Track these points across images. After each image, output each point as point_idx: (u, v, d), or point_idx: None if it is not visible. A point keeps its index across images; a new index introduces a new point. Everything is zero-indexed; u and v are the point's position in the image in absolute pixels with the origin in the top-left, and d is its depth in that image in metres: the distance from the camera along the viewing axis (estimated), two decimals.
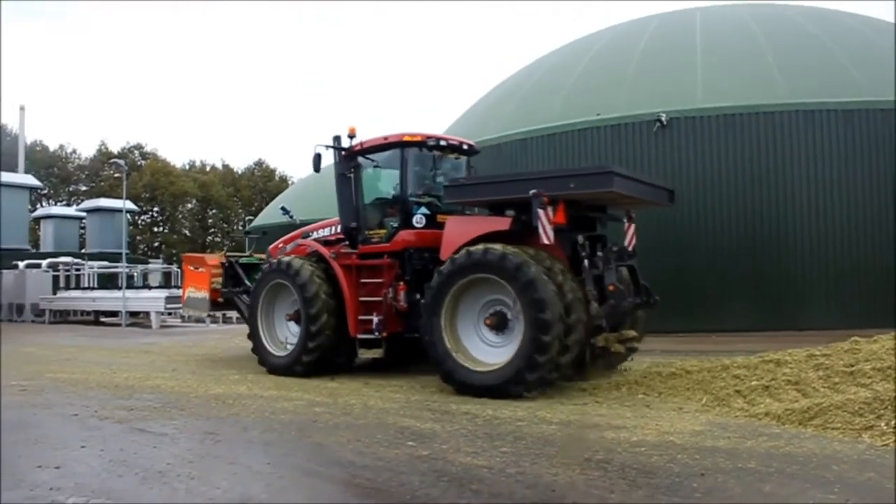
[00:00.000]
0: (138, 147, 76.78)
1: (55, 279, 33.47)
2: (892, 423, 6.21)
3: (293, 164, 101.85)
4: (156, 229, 75.05)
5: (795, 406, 7.09)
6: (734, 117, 17.66)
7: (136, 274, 34.70)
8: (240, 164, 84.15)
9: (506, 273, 8.76)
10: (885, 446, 5.83)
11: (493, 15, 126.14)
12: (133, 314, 28.29)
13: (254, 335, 12.10)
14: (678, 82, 19.05)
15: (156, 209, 73.50)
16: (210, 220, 78.40)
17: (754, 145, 17.50)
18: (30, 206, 49.18)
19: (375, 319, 10.70)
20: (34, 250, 44.53)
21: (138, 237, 70.26)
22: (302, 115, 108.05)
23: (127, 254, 32.93)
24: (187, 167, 78.98)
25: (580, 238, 9.63)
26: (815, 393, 7.49)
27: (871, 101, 17.13)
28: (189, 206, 75.66)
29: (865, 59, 18.65)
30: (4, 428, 7.23)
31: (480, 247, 9.06)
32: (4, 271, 33.27)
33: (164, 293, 26.66)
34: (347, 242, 11.53)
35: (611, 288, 9.20)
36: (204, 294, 14.13)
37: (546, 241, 9.01)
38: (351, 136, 11.40)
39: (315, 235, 12.40)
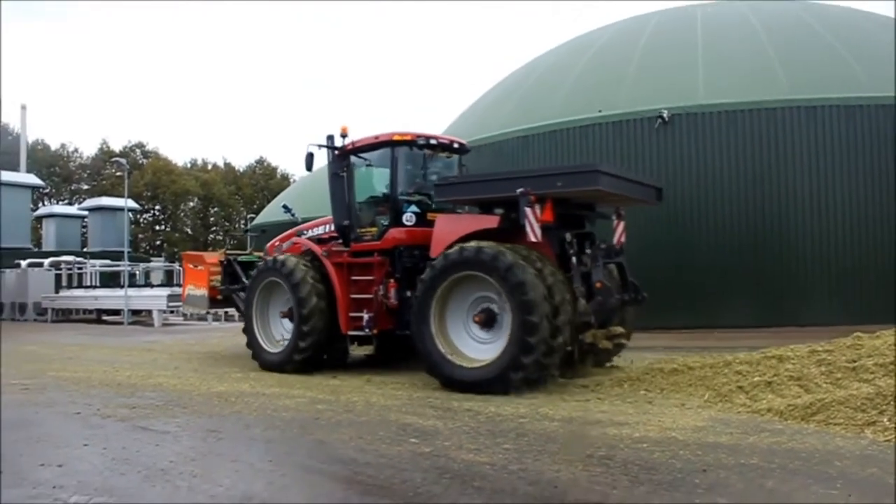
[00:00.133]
0: (140, 146, 76.92)
1: (57, 278, 33.52)
2: (895, 418, 6.20)
3: (295, 163, 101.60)
4: (158, 228, 75.16)
5: (798, 402, 7.08)
6: (735, 113, 17.63)
7: (138, 272, 34.71)
8: (241, 162, 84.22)
9: (496, 272, 8.81)
10: (887, 442, 5.82)
11: (493, 15, 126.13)
12: (135, 312, 28.32)
13: (248, 332, 12.25)
14: (679, 79, 19.02)
15: (157, 208, 73.59)
16: (212, 219, 78.51)
17: (756, 141, 17.47)
18: (32, 206, 49.26)
19: (366, 316, 10.83)
20: (36, 249, 44.61)
21: (140, 236, 70.37)
22: (303, 114, 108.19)
23: (129, 252, 32.97)
24: (189, 165, 79.12)
25: (568, 235, 9.71)
26: (818, 389, 7.48)
27: (872, 97, 17.10)
28: (191, 204, 75.76)
29: (867, 55, 18.61)
30: (6, 426, 7.24)
31: (473, 244, 9.12)
32: (7, 270, 33.32)
33: (166, 291, 26.71)
34: (341, 241, 11.63)
35: (598, 285, 9.29)
36: (203, 292, 14.32)
37: (533, 239, 9.10)
38: (343, 136, 11.53)
39: (309, 234, 12.54)
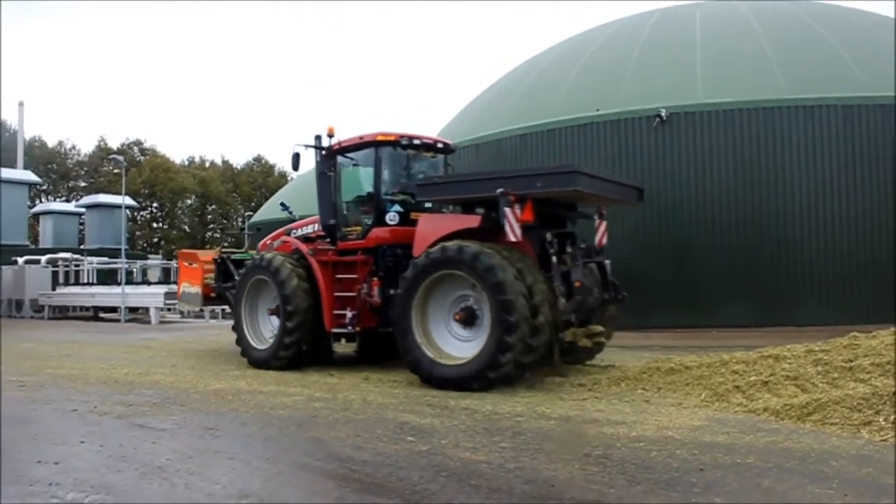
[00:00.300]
0: (137, 143, 76.86)
1: (54, 275, 33.47)
2: (891, 418, 6.22)
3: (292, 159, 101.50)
4: (155, 225, 75.14)
5: (794, 401, 7.10)
6: (734, 113, 17.64)
7: (135, 270, 34.70)
8: (239, 159, 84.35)
9: (476, 272, 8.92)
10: (883, 441, 5.83)
11: (493, 15, 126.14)
12: (132, 310, 28.28)
13: (238, 329, 12.42)
14: (678, 78, 19.03)
15: (155, 205, 73.55)
16: (209, 216, 78.44)
17: (754, 141, 17.48)
18: (29, 202, 49.18)
19: (349, 314, 11.01)
20: (33, 246, 44.52)
21: (137, 233, 70.30)
22: (301, 112, 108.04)
23: (126, 250, 32.92)
24: (186, 163, 79.04)
25: (549, 235, 9.83)
26: (814, 388, 7.49)
27: (871, 97, 17.12)
28: (188, 201, 75.69)
29: (865, 55, 18.64)
30: (4, 423, 7.23)
31: (455, 243, 9.22)
32: (4, 267, 33.25)
33: (163, 289, 26.67)
34: (328, 239, 11.80)
35: (577, 284, 9.42)
36: (197, 289, 14.52)
37: (513, 239, 9.21)
38: (330, 136, 11.70)
39: (299, 232, 12.70)
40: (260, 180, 78.10)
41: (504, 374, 8.78)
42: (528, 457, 5.64)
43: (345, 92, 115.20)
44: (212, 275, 14.30)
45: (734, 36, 20.12)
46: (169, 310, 27.59)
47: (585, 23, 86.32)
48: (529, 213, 9.29)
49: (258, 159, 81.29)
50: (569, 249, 10.02)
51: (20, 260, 34.19)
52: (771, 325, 16.06)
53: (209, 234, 77.03)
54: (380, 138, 11.23)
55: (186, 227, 76.20)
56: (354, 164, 11.79)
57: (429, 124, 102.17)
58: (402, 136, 11.37)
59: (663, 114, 17.89)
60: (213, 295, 14.40)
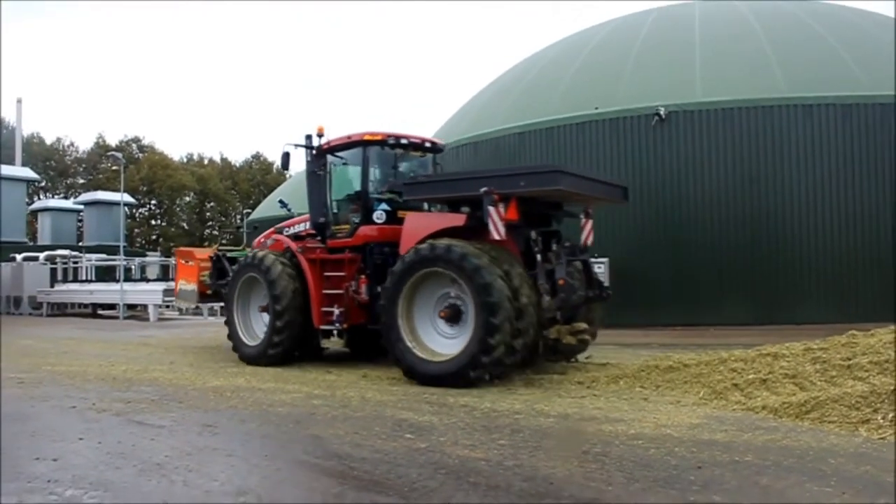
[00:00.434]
0: (136, 140, 76.84)
1: (53, 272, 33.47)
2: (889, 416, 6.22)
3: (292, 158, 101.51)
4: (153, 222, 75.08)
5: (792, 399, 7.10)
6: (733, 111, 17.65)
7: (133, 267, 34.69)
8: (238, 157, 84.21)
9: (463, 271, 9.03)
10: (881, 440, 5.84)
11: (493, 15, 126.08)
12: (131, 307, 28.30)
13: (230, 325, 12.59)
14: (677, 76, 19.03)
15: (153, 202, 73.51)
16: (208, 214, 78.38)
17: (753, 140, 17.49)
18: (27, 199, 49.13)
19: (336, 311, 11.15)
20: (32, 243, 44.51)
21: (136, 230, 70.26)
22: (301, 111, 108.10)
23: (124, 247, 32.91)
24: (185, 160, 78.98)
25: (533, 233, 9.93)
26: (813, 386, 7.49)
27: (870, 96, 17.13)
28: (187, 199, 75.65)
29: (864, 54, 18.65)
30: (2, 420, 7.23)
31: (444, 242, 9.33)
32: (2, 264, 33.23)
33: (161, 286, 26.68)
34: (319, 237, 11.96)
35: (561, 282, 9.48)
36: (193, 287, 14.73)
37: (496, 237, 9.31)
38: (320, 136, 11.86)
39: (290, 231, 12.85)
40: (259, 177, 78.05)
41: (486, 374, 8.92)
42: (526, 454, 5.64)
43: (345, 92, 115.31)
44: (207, 272, 14.48)
45: (733, 35, 20.12)
46: (167, 307, 27.59)
47: (585, 23, 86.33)
48: (514, 211, 9.44)
49: (257, 157, 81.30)
50: (554, 248, 10.12)
51: (18, 257, 34.19)
52: (769, 324, 16.08)
53: (208, 231, 76.98)
54: (367, 138, 11.38)
55: (185, 225, 76.17)
56: (343, 164, 11.93)
57: (429, 124, 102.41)
58: (388, 136, 11.52)
59: (662, 112, 17.89)
60: (208, 292, 14.55)
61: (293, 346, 11.63)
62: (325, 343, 12.29)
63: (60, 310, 31.18)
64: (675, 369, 9.07)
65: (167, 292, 25.14)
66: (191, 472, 5.23)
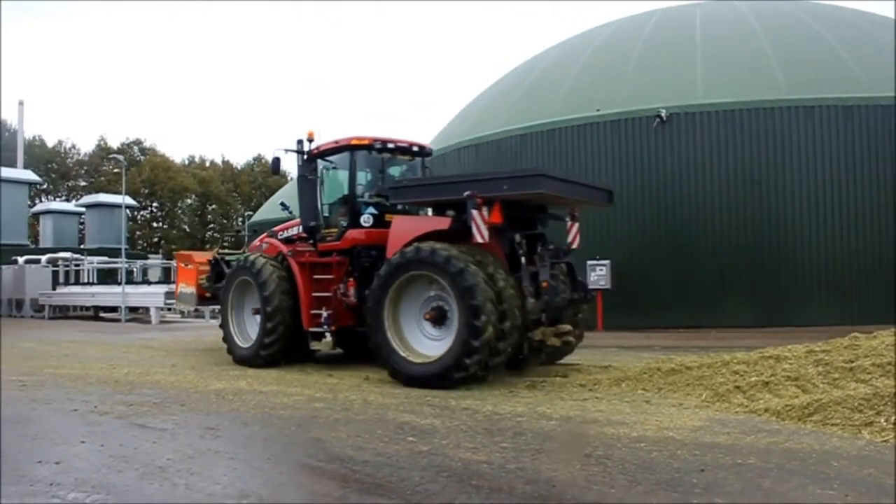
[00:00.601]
0: (137, 142, 76.88)
1: (54, 274, 33.47)
2: (892, 419, 6.21)
3: (293, 160, 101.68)
4: (155, 225, 75.08)
5: (795, 402, 7.09)
6: (734, 113, 17.67)
7: (135, 269, 34.69)
8: (239, 159, 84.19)
9: (448, 274, 9.14)
10: (884, 442, 5.83)
11: (492, 15, 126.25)
12: (132, 309, 28.27)
13: (224, 327, 12.79)
14: (678, 78, 19.05)
15: (155, 205, 73.53)
16: (209, 216, 78.38)
17: (754, 141, 17.50)
18: (29, 202, 49.17)
19: (324, 314, 11.31)
20: (33, 246, 44.53)
21: (137, 232, 70.26)
22: (302, 112, 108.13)
23: (126, 249, 32.91)
24: (187, 162, 79.00)
25: (517, 236, 10.04)
26: (815, 389, 7.48)
27: (870, 97, 17.14)
28: (188, 201, 75.65)
29: (865, 55, 18.66)
30: (4, 423, 7.23)
31: (429, 245, 9.46)
32: (4, 266, 33.25)
33: (163, 289, 26.67)
34: (311, 241, 12.14)
35: (544, 284, 9.63)
36: (192, 290, 14.91)
37: (479, 240, 9.44)
38: (310, 140, 12.02)
39: (284, 234, 13.01)
40: (260, 180, 78.04)
41: (469, 376, 9.03)
42: (529, 457, 5.63)
43: (345, 92, 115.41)
44: (206, 276, 14.63)
45: (734, 36, 20.14)
46: (169, 309, 27.60)
47: (585, 23, 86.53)
48: (497, 215, 9.54)
49: (258, 159, 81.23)
50: (539, 250, 10.25)
51: (20, 259, 34.18)
52: (771, 326, 16.08)
53: (209, 233, 76.99)
54: (354, 142, 11.56)
55: (186, 227, 76.19)
56: (333, 168, 12.10)
57: (429, 124, 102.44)
58: (375, 140, 11.68)
59: (663, 114, 17.90)
60: (207, 295, 14.67)
61: (284, 347, 11.78)
62: (316, 345, 12.45)
63: (62, 312, 31.18)
64: (678, 372, 9.06)
65: (169, 295, 25.13)
66: (193, 476, 5.23)
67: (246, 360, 12.05)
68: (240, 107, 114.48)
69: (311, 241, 12.13)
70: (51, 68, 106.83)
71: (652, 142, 18.23)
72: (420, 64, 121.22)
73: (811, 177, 17.26)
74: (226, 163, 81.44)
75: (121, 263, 30.36)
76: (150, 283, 31.72)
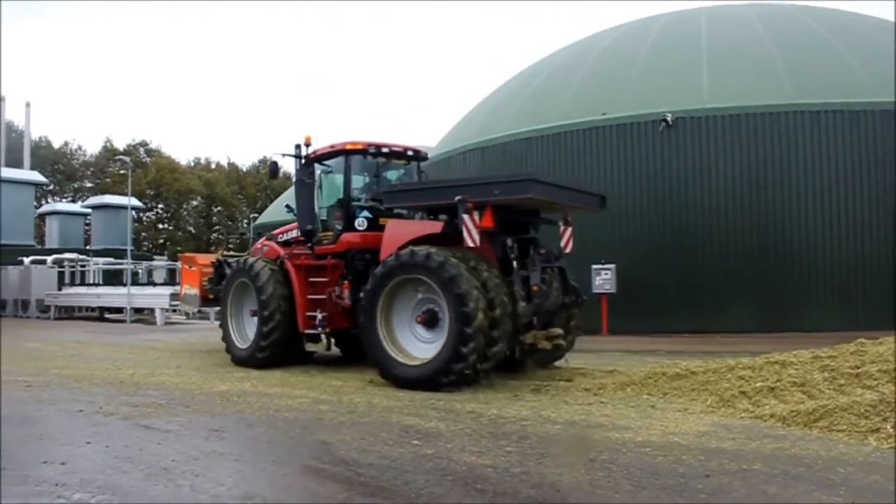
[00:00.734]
0: (143, 144, 77.03)
1: (60, 275, 33.57)
2: None
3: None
4: (161, 226, 75.18)
5: (801, 408, 7.07)
6: (740, 117, 17.64)
7: (140, 271, 34.77)
8: (245, 161, 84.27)
9: (440, 279, 9.23)
10: (891, 449, 5.80)
11: (492, 15, 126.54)
12: (138, 311, 28.37)
13: (224, 328, 12.99)
14: (684, 82, 19.03)
15: (161, 206, 73.63)
16: (215, 218, 78.48)
17: (760, 146, 17.47)
18: (35, 203, 49.31)
19: (319, 316, 11.53)
20: (39, 246, 44.67)
21: (143, 234, 70.38)
22: (303, 112, 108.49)
23: (132, 250, 33.00)
24: (192, 164, 79.13)
25: (509, 241, 10.09)
26: (821, 395, 7.46)
27: (877, 102, 17.09)
28: (194, 203, 75.75)
29: (872, 60, 18.62)
30: (10, 423, 7.26)
31: (424, 249, 9.53)
32: (10, 267, 33.36)
33: (168, 290, 26.73)
34: (309, 244, 12.29)
35: (535, 288, 9.72)
36: (196, 291, 15.17)
37: (470, 244, 9.56)
38: (307, 145, 12.22)
39: (283, 237, 13.20)
40: (265, 182, 78.01)
41: (457, 380, 9.11)
42: (533, 461, 5.63)
43: (345, 92, 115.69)
44: (209, 277, 14.77)
45: (740, 40, 20.11)
46: (174, 311, 27.66)
47: (585, 23, 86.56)
48: (489, 219, 9.66)
49: (264, 161, 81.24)
50: (531, 254, 10.35)
51: (26, 260, 34.29)
52: (777, 331, 16.03)
53: (214, 235, 77.10)
54: (348, 147, 11.72)
55: (192, 229, 76.28)
56: (329, 172, 12.24)
57: (428, 124, 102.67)
58: (370, 145, 11.83)
59: (669, 118, 17.89)
60: (210, 297, 14.81)
61: (280, 349, 11.92)
62: (311, 347, 12.57)
63: (68, 313, 31.28)
64: (683, 377, 9.03)
65: (174, 296, 25.21)
66: (198, 477, 5.24)
67: (243, 361, 12.24)
68: (245, 108, 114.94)
69: (309, 245, 12.28)
70: (57, 70, 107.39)
71: (658, 146, 18.22)
72: (420, 64, 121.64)
73: (817, 181, 17.23)
74: (231, 165, 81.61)
75: (126, 265, 30.43)
76: (155, 284, 31.78)
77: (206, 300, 15.22)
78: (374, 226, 11.39)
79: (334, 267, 11.65)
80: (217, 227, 78.83)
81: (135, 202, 44.51)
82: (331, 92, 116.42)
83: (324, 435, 6.69)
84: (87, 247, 44.99)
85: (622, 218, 18.33)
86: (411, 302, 9.95)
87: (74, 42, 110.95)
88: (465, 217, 9.55)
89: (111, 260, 36.13)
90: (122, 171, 57.84)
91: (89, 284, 32.98)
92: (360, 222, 11.54)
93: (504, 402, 8.29)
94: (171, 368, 12.17)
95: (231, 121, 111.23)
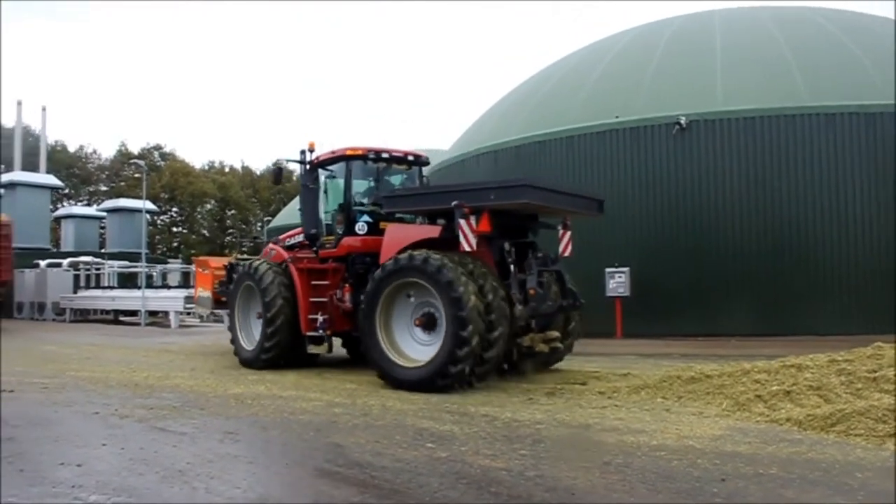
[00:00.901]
0: (158, 147, 77.38)
1: (76, 278, 33.82)
2: None
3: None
4: (175, 229, 75.52)
5: (817, 412, 7.01)
6: (754, 120, 17.54)
7: (155, 274, 34.98)
8: (259, 164, 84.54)
9: (438, 283, 9.36)
10: None
11: (492, 15, 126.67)
12: (152, 313, 28.53)
13: (231, 331, 13.23)
14: (697, 85, 18.94)
15: (175, 209, 73.96)
16: (228, 221, 78.75)
17: (774, 149, 17.36)
18: (51, 206, 49.69)
19: (320, 318, 11.76)
20: (55, 249, 44.99)
21: (157, 237, 70.73)
22: (301, 112, 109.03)
23: (146, 254, 33.20)
24: (206, 168, 79.44)
25: (507, 245, 10.29)
26: (838, 399, 7.40)
27: (892, 104, 16.94)
28: (208, 206, 76.01)
29: (887, 62, 18.44)
30: (27, 426, 7.33)
31: (422, 253, 9.67)
32: (26, 270, 33.63)
33: (182, 293, 26.88)
34: (313, 248, 12.51)
35: (531, 292, 9.86)
36: (209, 294, 15.46)
37: (466, 248, 9.68)
38: (311, 151, 12.44)
39: (289, 242, 13.43)
40: (279, 185, 78.24)
41: (453, 382, 9.24)
42: (547, 464, 5.62)
43: (345, 92, 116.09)
44: (221, 280, 14.95)
45: (754, 42, 20.00)
46: (188, 314, 27.79)
47: (585, 23, 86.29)
48: (486, 223, 9.76)
49: (277, 164, 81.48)
50: (528, 258, 10.44)
51: (42, 263, 34.56)
52: (792, 334, 15.91)
53: (228, 238, 77.37)
54: (349, 153, 11.91)
55: (206, 232, 76.56)
56: (332, 177, 12.43)
57: (428, 124, 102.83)
58: (370, 150, 11.98)
59: (683, 121, 17.82)
60: (223, 299, 14.94)
61: (284, 351, 12.12)
62: (314, 349, 12.51)
63: (83, 316, 31.50)
64: (698, 380, 8.99)
65: (188, 299, 25.34)
66: (213, 479, 5.26)
67: (249, 362, 12.45)
68: (256, 111, 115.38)
69: (313, 249, 12.47)
70: (73, 75, 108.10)
71: (671, 149, 18.14)
72: (420, 64, 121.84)
73: (832, 184, 17.09)
74: (245, 168, 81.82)
75: (141, 268, 30.63)
76: (169, 287, 31.97)
77: (218, 303, 15.38)
78: (375, 230, 11.56)
79: (336, 270, 11.93)
80: (231, 231, 79.07)
81: (149, 206, 44.80)
82: (331, 92, 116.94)
83: (338, 438, 6.70)
84: (102, 250, 45.29)
85: (636, 221, 18.26)
86: (410, 305, 10.10)
87: (89, 47, 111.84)
88: (462, 222, 9.69)
89: (126, 263, 36.36)
90: (136, 175, 58.14)
91: (104, 287, 33.20)
92: (361, 226, 11.73)
93: (518, 406, 8.28)
94: (186, 371, 12.23)
95: (245, 124, 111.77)
